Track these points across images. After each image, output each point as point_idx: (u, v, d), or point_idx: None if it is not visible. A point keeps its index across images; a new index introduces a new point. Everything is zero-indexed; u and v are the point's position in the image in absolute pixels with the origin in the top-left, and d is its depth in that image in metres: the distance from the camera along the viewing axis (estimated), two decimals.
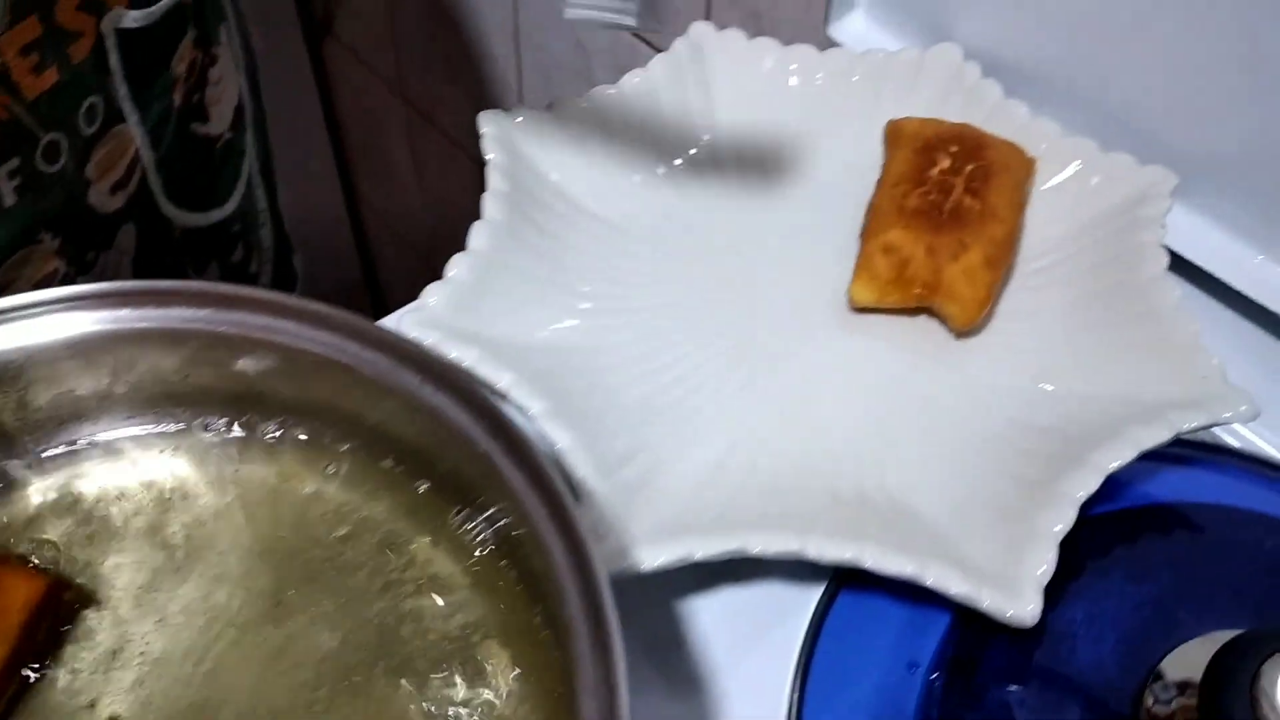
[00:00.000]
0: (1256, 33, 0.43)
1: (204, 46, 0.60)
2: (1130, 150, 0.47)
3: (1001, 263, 0.43)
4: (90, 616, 0.33)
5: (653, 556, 0.34)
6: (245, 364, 0.34)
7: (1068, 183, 0.48)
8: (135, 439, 0.37)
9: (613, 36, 0.82)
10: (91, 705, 0.32)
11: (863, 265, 0.44)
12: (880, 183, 0.47)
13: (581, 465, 0.36)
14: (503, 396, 0.38)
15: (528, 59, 0.92)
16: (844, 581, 0.38)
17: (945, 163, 0.45)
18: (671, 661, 0.37)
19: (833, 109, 0.52)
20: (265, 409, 0.36)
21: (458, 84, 1.05)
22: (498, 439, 0.31)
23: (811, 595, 0.38)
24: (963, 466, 0.39)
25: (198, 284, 0.33)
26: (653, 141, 0.51)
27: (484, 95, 0.99)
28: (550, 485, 0.30)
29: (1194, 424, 0.37)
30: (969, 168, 0.45)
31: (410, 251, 1.37)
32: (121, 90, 0.53)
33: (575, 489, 0.36)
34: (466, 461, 0.32)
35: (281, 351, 0.33)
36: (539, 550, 0.30)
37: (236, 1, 0.65)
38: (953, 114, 0.50)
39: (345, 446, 0.36)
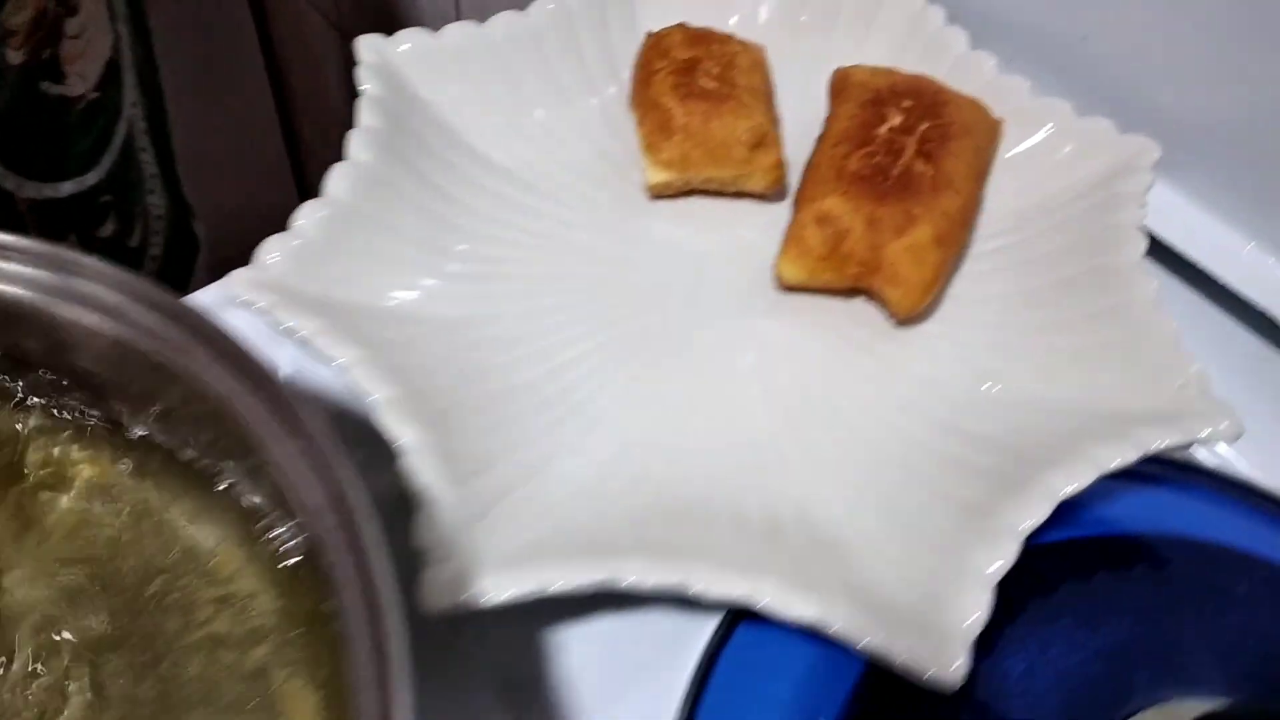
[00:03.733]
0: None
1: None
2: (1109, 115, 0.41)
3: (954, 240, 0.37)
4: None
5: (499, 587, 0.28)
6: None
7: (1036, 149, 0.41)
8: None
9: None
10: None
11: (793, 237, 0.37)
12: (820, 140, 0.40)
13: (426, 469, 0.30)
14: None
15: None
16: (743, 614, 0.32)
17: (896, 120, 0.39)
18: (531, 706, 0.30)
19: (776, 52, 0.45)
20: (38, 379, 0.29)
21: (397, 21, 0.97)
22: (296, 439, 0.25)
23: (703, 628, 0.32)
24: (891, 482, 0.33)
25: None
26: (563, 77, 0.44)
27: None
28: (346, 502, 0.23)
29: (1166, 443, 0.31)
30: (923, 127, 0.38)
31: None
32: None
33: (415, 499, 0.29)
34: (268, 463, 0.26)
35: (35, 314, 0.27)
36: (330, 581, 0.23)
37: None
38: (911, 64, 0.43)
39: (140, 432, 0.30)
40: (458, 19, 0.43)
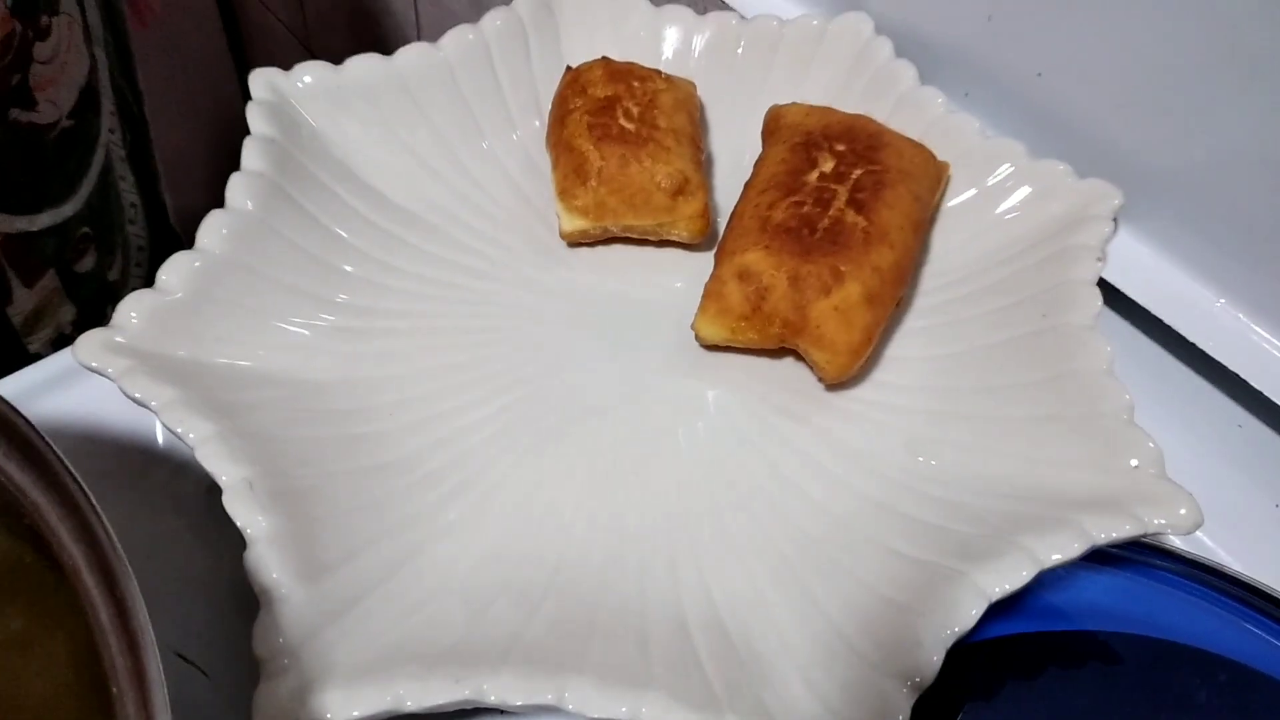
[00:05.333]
0: (1233, 15, 0.33)
1: (27, 16, 0.48)
2: (1067, 158, 0.37)
3: (887, 299, 0.34)
4: None
5: (345, 706, 0.24)
6: None
7: (987, 196, 0.38)
8: None
9: None
10: None
11: (711, 293, 0.34)
12: (747, 186, 0.37)
13: (272, 564, 0.26)
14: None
15: (426, 14, 0.82)
16: None
17: (828, 165, 0.35)
18: None
19: (710, 88, 0.42)
20: None
21: (362, 40, 0.94)
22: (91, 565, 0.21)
23: None
24: (811, 575, 0.29)
25: None
26: (479, 113, 0.40)
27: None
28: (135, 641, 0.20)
29: (1115, 535, 0.28)
30: (856, 173, 0.35)
31: None
32: None
33: (260, 599, 0.26)
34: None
35: None
36: None
37: None
38: (854, 101, 0.40)
39: None
40: (418, 36, 0.40)
